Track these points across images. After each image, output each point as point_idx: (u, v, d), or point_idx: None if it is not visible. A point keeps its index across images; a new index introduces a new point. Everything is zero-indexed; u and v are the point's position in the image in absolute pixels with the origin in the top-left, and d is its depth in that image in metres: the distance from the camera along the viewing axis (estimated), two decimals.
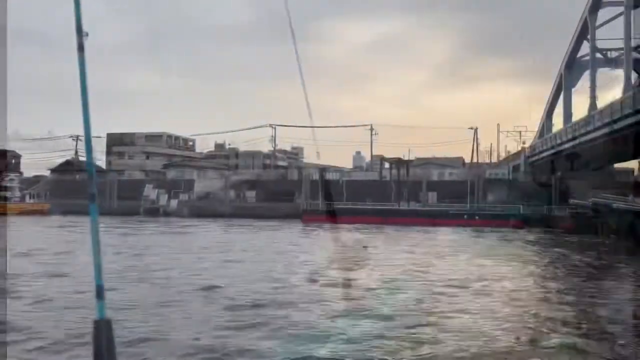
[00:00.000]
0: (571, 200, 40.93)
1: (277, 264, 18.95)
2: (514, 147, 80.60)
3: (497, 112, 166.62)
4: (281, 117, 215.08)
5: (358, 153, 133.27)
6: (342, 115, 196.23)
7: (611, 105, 38.59)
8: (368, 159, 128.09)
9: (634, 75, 48.13)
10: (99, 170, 79.65)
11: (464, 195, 50.69)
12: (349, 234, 34.75)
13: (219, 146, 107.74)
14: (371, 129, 63.76)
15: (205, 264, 19.07)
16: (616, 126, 37.32)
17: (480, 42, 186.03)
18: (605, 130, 39.21)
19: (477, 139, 62.98)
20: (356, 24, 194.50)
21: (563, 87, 52.26)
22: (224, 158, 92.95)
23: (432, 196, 51.09)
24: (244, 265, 19.19)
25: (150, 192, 57.43)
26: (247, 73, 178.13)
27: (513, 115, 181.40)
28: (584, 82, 50.62)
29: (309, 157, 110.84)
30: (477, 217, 43.84)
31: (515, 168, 67.12)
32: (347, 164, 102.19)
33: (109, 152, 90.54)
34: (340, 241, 28.80)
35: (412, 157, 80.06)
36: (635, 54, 40.25)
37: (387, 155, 59.87)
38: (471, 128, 62.74)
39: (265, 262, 19.68)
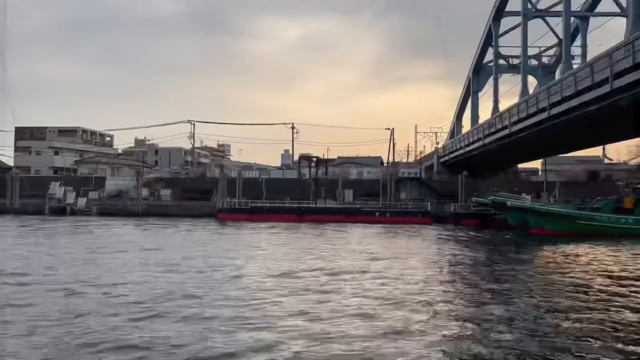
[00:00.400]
0: (473, 198, 43.12)
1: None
2: (431, 148, 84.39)
3: (422, 113, 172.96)
4: (207, 113, 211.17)
5: (286, 151, 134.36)
6: (271, 113, 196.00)
7: (509, 110, 41.07)
8: (296, 157, 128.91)
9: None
10: (2, 167, 74.38)
11: (379, 193, 52.20)
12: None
13: (140, 142, 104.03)
14: (292, 128, 63.94)
15: None
16: (514, 128, 39.75)
17: (407, 44, 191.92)
18: (505, 132, 41.68)
19: (393, 139, 64.92)
20: (287, 21, 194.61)
21: (471, 90, 55.01)
22: (143, 155, 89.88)
23: (348, 194, 52.08)
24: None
25: (56, 189, 54.18)
26: (172, 67, 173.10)
27: (436, 116, 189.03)
28: (490, 86, 53.63)
29: (237, 154, 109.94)
30: (387, 214, 45.20)
31: (430, 167, 70.04)
32: (276, 162, 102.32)
33: (16, 148, 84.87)
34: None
35: (335, 156, 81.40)
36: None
37: (314, 154, 60.18)
38: (388, 128, 64.47)
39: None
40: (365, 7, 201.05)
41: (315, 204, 49.04)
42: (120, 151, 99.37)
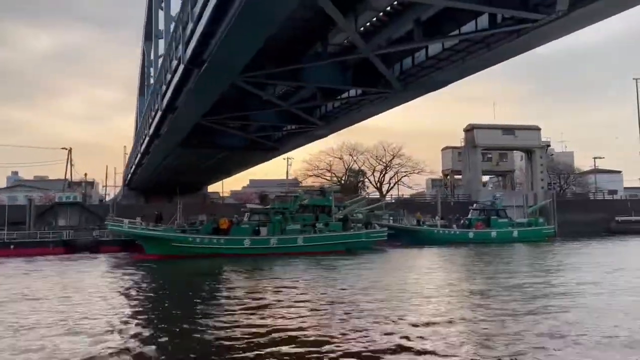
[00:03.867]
0: (105, 223, 40.26)
1: None
2: None
3: None
4: None
5: (15, 173, 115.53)
6: (20, 130, 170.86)
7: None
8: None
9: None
10: None
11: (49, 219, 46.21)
12: None
13: None
14: None
15: None
16: (141, 150, 38.45)
17: None
18: (139, 156, 40.20)
19: (70, 159, 58.66)
20: (34, 29, 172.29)
21: (138, 111, 53.16)
22: None
23: None
24: None
25: None
26: None
27: None
28: None
29: None
30: (12, 247, 39.24)
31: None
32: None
33: None
34: None
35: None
36: None
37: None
38: (64, 148, 58.31)
39: None
40: (124, 22, 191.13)
41: None
42: None
